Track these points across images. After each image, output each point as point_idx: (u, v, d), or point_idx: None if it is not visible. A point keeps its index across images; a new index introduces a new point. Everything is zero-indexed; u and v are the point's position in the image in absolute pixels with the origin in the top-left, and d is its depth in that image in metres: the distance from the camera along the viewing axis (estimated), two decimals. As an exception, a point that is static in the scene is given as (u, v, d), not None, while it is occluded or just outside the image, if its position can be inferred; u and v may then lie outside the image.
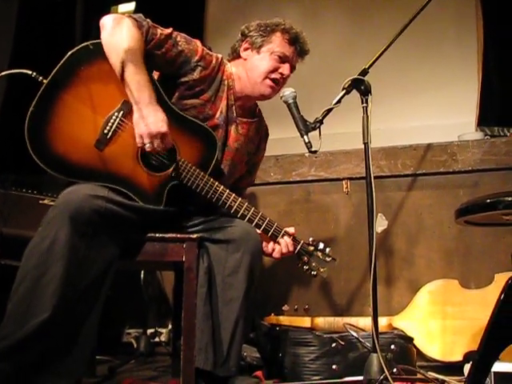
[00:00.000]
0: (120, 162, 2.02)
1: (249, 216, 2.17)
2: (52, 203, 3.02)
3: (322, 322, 2.80)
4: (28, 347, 1.74)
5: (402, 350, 2.42)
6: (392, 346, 2.39)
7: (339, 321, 2.76)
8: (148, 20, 2.08)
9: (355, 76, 2.14)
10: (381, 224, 3.06)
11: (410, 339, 2.53)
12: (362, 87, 2.11)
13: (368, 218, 2.05)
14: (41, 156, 1.94)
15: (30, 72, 2.22)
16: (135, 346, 3.17)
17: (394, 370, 2.16)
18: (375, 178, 2.09)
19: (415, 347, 2.58)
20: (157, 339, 3.27)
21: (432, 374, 2.27)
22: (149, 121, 1.94)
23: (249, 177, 2.50)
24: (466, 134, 3.18)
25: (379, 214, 3.06)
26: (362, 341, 2.36)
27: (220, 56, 2.29)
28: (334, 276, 3.10)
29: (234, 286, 2.06)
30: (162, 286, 3.44)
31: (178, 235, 2.11)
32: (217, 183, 2.12)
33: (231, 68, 2.32)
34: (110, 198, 1.94)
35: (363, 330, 2.58)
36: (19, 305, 1.77)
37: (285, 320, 2.88)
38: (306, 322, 2.83)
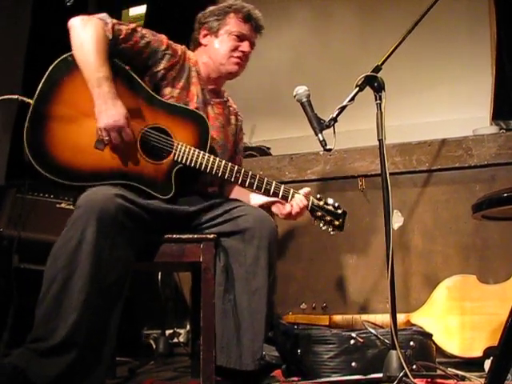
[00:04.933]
0: (123, 157, 2.07)
1: (256, 183, 2.21)
2: (69, 207, 3.07)
3: (340, 319, 2.80)
4: (60, 352, 1.76)
5: (421, 346, 2.40)
6: (411, 343, 2.37)
7: (357, 318, 2.76)
8: (112, 19, 2.17)
9: (368, 73, 2.14)
10: (397, 220, 3.05)
11: (429, 335, 2.52)
12: (376, 84, 2.11)
13: (384, 214, 2.05)
14: (47, 169, 1.98)
15: (15, 96, 2.32)
16: (154, 347, 3.19)
17: (414, 366, 2.15)
18: (390, 174, 2.09)
19: (434, 343, 2.56)
20: (175, 340, 3.28)
21: (452, 370, 2.25)
22: (108, 114, 2.01)
23: (236, 158, 2.53)
24: (480, 128, 3.16)
25: (395, 211, 3.05)
26: (381, 338, 2.35)
27: (183, 46, 2.39)
28: (352, 273, 3.10)
29: (258, 273, 2.08)
30: (180, 286, 3.45)
31: (195, 236, 2.12)
32: (218, 158, 2.19)
33: (195, 57, 2.42)
34: (130, 199, 1.97)
35: (381, 327, 2.57)
36: (51, 306, 1.79)
37: (303, 318, 2.88)
38: (324, 320, 2.83)
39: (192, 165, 2.13)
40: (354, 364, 2.34)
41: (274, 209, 2.30)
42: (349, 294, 3.09)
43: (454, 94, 3.63)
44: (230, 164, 2.20)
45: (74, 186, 2.02)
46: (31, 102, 2.03)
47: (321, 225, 2.30)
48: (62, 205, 3.16)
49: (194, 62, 2.39)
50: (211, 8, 2.44)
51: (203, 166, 2.15)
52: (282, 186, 2.26)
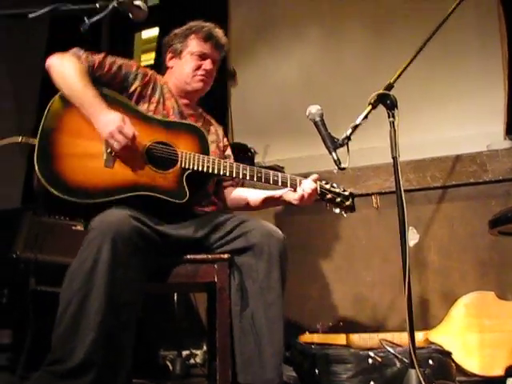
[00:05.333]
0: (133, 170, 2.13)
1: (264, 176, 2.27)
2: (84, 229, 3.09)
3: (357, 338, 2.78)
4: (79, 374, 1.77)
5: (441, 364, 2.38)
6: (430, 361, 2.35)
7: (375, 337, 2.73)
8: (83, 51, 2.31)
9: (381, 91, 2.14)
10: (413, 238, 3.04)
11: (448, 353, 2.50)
12: (388, 102, 2.11)
13: (400, 232, 2.03)
14: (64, 193, 2.00)
15: (18, 139, 2.39)
16: (171, 368, 3.18)
17: (433, 385, 2.13)
18: (405, 191, 2.08)
19: (453, 362, 2.53)
20: (192, 361, 3.27)
21: (472, 389, 2.23)
22: (106, 122, 2.08)
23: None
24: (494, 143, 3.15)
25: (410, 228, 3.03)
26: (399, 356, 2.33)
27: (152, 70, 2.52)
28: (368, 291, 3.08)
29: (272, 286, 2.08)
30: (195, 306, 3.45)
31: (210, 256, 2.13)
32: (223, 160, 2.29)
33: (164, 79, 2.54)
34: (143, 220, 1.99)
35: (400, 346, 2.55)
36: (69, 327, 1.80)
37: (320, 338, 2.86)
38: (341, 339, 2.81)
39: (200, 169, 2.20)
40: (372, 383, 2.33)
41: (286, 197, 2.32)
42: (366, 312, 3.07)
43: (467, 110, 3.62)
44: (235, 163, 2.28)
45: (90, 204, 2.03)
46: (35, 141, 2.09)
47: (333, 208, 2.33)
48: (78, 227, 3.18)
49: (164, 81, 2.51)
50: (175, 31, 2.57)
51: (210, 168, 2.22)
52: (289, 175, 2.30)
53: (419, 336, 2.71)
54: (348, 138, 2.12)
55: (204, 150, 2.29)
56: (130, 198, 2.06)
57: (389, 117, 2.10)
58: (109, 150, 2.10)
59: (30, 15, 1.75)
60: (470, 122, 3.57)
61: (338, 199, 2.32)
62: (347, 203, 2.34)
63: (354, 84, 3.96)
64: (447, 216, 3.05)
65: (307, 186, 2.27)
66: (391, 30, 3.98)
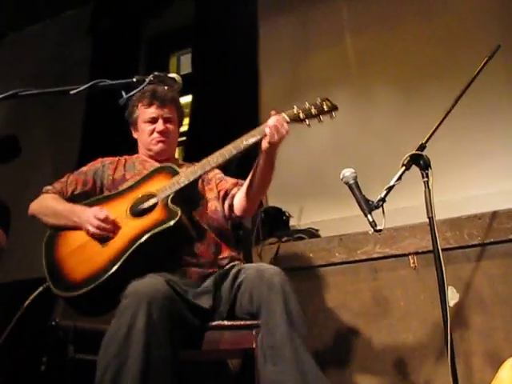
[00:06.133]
0: (124, 233, 2.28)
1: (236, 150, 2.33)
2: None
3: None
4: None
5: (490, 430, 2.29)
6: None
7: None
8: (49, 185, 2.59)
9: (413, 152, 2.16)
10: (452, 297, 2.97)
11: (498, 419, 2.40)
12: (421, 162, 2.13)
13: (439, 292, 2.01)
14: (64, 290, 2.24)
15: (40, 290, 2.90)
16: None
17: None
18: (442, 250, 2.06)
19: (504, 427, 2.43)
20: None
21: None
22: (84, 220, 2.34)
23: (224, 186, 2.63)
24: (531, 198, 3.12)
25: (449, 287, 2.97)
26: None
27: (118, 157, 2.72)
28: (408, 353, 3.00)
29: (293, 338, 1.99)
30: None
31: (248, 322, 2.13)
32: (192, 167, 2.40)
33: (135, 155, 2.72)
34: (172, 285, 2.07)
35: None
36: None
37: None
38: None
39: (177, 187, 2.31)
40: None
41: (264, 146, 2.32)
42: (408, 376, 2.98)
43: (501, 165, 3.60)
44: (203, 160, 2.38)
45: (95, 287, 2.16)
46: (48, 284, 2.33)
47: (318, 119, 2.41)
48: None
49: (136, 156, 2.70)
50: (128, 108, 2.70)
51: (186, 180, 2.33)
52: (251, 135, 2.35)
53: (466, 400, 2.61)
54: (383, 199, 2.14)
55: (173, 174, 2.41)
56: (134, 258, 2.16)
57: (423, 177, 2.11)
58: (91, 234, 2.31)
59: (72, 92, 1.83)
60: (506, 177, 3.55)
61: (313, 110, 2.38)
62: (326, 107, 2.40)
63: (384, 143, 3.99)
64: (487, 274, 2.98)
65: (270, 122, 2.29)
66: (420, 89, 4.02)
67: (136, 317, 1.90)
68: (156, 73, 1.98)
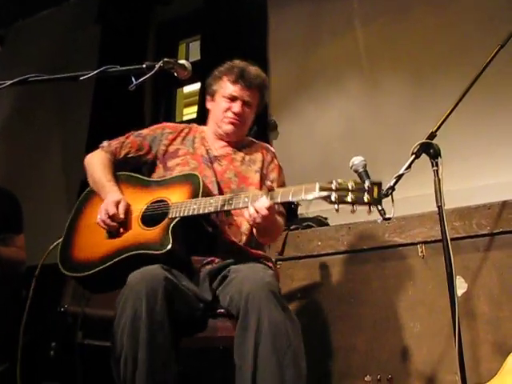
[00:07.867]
0: (127, 236, 2.29)
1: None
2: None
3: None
4: None
5: (497, 420, 2.29)
6: (485, 417, 2.27)
7: (426, 390, 2.65)
8: (106, 142, 2.58)
9: (423, 140, 2.15)
10: (460, 287, 2.96)
11: (504, 409, 2.40)
12: (431, 151, 2.13)
13: (448, 281, 2.01)
14: (72, 270, 2.32)
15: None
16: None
17: None
18: (451, 239, 2.06)
19: (511, 417, 2.43)
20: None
21: None
22: (101, 206, 2.33)
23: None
24: (541, 188, 3.10)
25: (458, 277, 2.96)
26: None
27: (192, 124, 2.71)
28: (416, 343, 2.99)
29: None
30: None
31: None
32: (211, 197, 2.25)
33: (201, 128, 2.68)
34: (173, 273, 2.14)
35: (452, 400, 2.47)
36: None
37: (369, 391, 2.80)
38: (391, 392, 2.74)
39: (186, 213, 2.21)
40: None
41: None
42: (414, 365, 2.98)
43: (511, 155, 3.58)
44: (228, 195, 2.24)
45: (88, 275, 2.25)
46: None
47: (351, 208, 1.91)
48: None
49: (201, 130, 2.65)
50: (213, 73, 2.63)
51: (196, 209, 2.19)
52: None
53: (472, 390, 2.61)
54: (392, 188, 2.13)
55: (195, 193, 2.27)
56: (125, 261, 2.19)
57: (432, 166, 2.10)
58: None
59: (81, 78, 1.83)
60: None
61: (350, 197, 1.91)
62: (366, 197, 1.89)
63: (394, 132, 3.97)
64: (496, 264, 2.97)
65: (256, 205, 2.08)
66: (430, 78, 4.00)
67: (137, 307, 1.95)
68: (166, 59, 1.98)
